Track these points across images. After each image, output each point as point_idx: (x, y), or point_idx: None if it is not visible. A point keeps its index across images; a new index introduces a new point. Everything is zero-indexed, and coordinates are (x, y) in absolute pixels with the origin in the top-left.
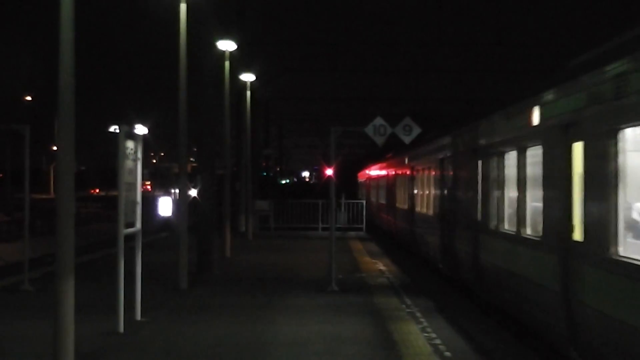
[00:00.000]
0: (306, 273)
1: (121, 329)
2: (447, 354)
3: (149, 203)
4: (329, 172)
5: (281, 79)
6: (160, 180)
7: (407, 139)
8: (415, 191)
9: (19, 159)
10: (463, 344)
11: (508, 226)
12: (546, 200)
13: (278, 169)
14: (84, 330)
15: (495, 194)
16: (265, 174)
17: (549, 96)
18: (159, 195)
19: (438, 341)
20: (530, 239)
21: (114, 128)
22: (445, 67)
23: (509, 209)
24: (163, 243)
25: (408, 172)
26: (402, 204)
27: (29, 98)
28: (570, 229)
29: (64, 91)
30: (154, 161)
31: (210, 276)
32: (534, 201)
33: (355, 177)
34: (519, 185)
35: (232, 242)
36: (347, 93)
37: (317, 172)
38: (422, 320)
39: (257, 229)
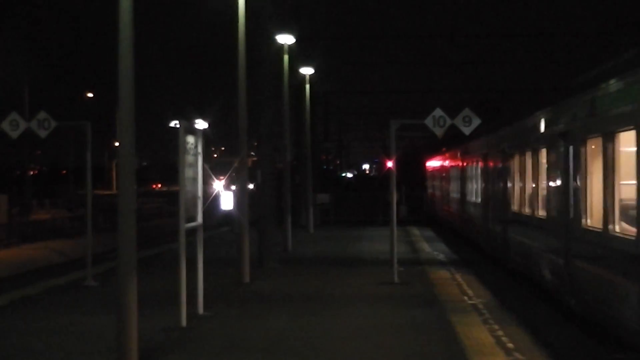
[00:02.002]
0: (369, 267)
1: (184, 323)
2: None
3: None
4: (389, 164)
5: (340, 72)
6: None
7: (466, 130)
8: (563, 183)
9: (81, 156)
10: None
11: None
12: None
13: (338, 162)
14: (147, 324)
15: None
16: (325, 167)
17: None
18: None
19: None
20: None
21: (174, 123)
22: (506, 58)
23: None
24: (224, 237)
25: (530, 153)
26: (519, 205)
27: (90, 95)
28: None
29: (124, 87)
30: (215, 155)
31: (272, 269)
32: None
33: (419, 168)
34: None
35: (293, 235)
36: (406, 85)
37: (377, 165)
38: None
39: (317, 222)
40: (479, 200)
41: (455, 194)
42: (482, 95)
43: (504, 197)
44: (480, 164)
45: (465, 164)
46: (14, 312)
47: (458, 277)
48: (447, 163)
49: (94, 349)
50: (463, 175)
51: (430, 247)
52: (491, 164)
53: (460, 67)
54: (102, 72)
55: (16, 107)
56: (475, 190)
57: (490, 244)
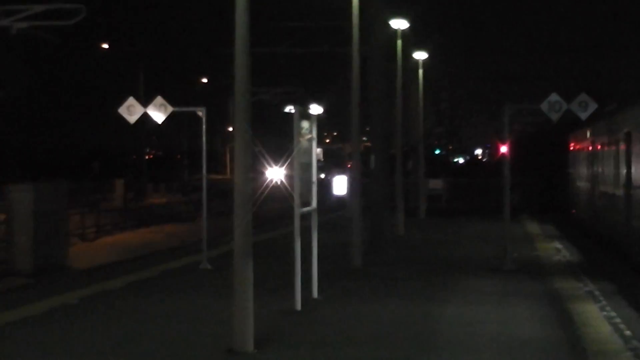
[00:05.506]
0: (482, 254)
1: (299, 307)
2: None
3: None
4: (503, 149)
5: (454, 56)
6: (333, 160)
7: (583, 115)
8: None
9: (195, 141)
10: None
11: None
12: None
13: (450, 147)
14: (263, 308)
15: None
16: (437, 152)
17: None
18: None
19: None
20: None
21: (289, 108)
22: (622, 43)
23: None
24: (337, 222)
25: None
26: None
27: (204, 80)
28: None
29: (239, 72)
30: (327, 141)
31: (384, 255)
32: None
33: (546, 152)
34: None
35: (405, 222)
36: (520, 71)
37: (489, 150)
38: None
39: (429, 208)
40: None
41: None
42: (597, 81)
43: None
44: None
45: None
46: (131, 295)
47: None
48: None
49: (210, 331)
50: None
51: None
52: None
53: (577, 52)
54: (217, 56)
55: (132, 92)
56: None
57: None
